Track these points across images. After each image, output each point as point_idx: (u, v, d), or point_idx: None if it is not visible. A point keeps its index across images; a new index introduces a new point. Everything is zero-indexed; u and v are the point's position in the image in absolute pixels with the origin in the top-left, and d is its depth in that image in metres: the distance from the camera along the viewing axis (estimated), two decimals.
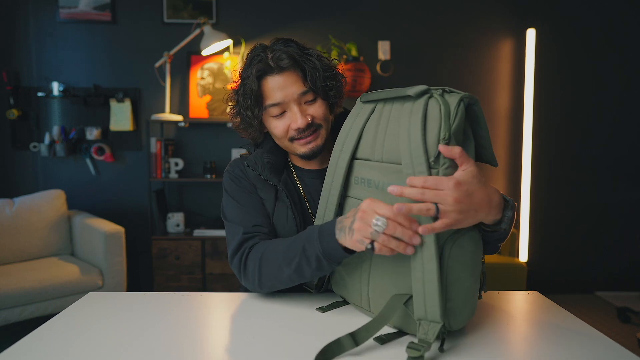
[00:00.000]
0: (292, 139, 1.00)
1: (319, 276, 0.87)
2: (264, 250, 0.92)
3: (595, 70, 3.24)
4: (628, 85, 3.25)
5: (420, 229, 0.68)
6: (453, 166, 0.71)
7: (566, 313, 0.88)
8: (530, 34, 3.13)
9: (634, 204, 3.29)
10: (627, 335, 2.61)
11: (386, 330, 0.79)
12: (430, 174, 0.70)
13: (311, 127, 0.99)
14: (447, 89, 0.74)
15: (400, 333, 0.78)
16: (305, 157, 1.01)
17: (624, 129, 3.28)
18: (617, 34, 3.22)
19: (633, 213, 3.29)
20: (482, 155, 0.80)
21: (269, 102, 0.98)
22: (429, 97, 0.74)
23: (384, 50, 3.19)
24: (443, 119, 0.70)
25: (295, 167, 1.09)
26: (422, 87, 0.74)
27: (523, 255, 3.17)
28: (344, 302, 0.92)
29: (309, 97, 0.98)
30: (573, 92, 3.26)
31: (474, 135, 0.76)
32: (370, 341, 0.74)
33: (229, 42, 2.97)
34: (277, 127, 0.99)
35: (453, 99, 0.72)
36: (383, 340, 0.75)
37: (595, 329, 0.80)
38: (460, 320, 0.75)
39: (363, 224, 0.72)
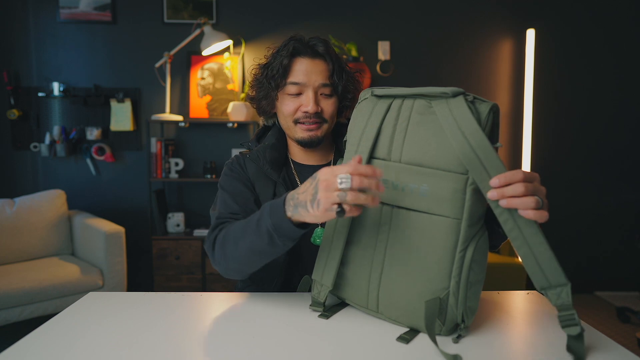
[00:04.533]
0: (296, 121, 1.04)
1: (274, 254, 0.86)
2: (227, 230, 0.93)
3: (595, 71, 3.24)
4: (628, 85, 3.25)
5: (532, 214, 0.68)
6: None
7: None
8: (530, 34, 3.13)
9: (634, 204, 3.29)
10: (627, 335, 2.61)
11: (402, 329, 0.80)
12: (501, 162, 0.70)
13: (317, 117, 1.03)
14: (474, 96, 0.75)
15: (417, 331, 0.79)
16: (303, 142, 1.06)
17: (623, 129, 3.28)
18: (616, 34, 3.22)
19: (633, 213, 3.29)
20: None
21: (291, 79, 1.03)
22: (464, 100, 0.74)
23: (384, 50, 3.19)
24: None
25: (295, 163, 1.12)
26: (458, 89, 0.75)
27: None
28: (344, 305, 0.91)
29: (327, 91, 1.04)
30: (573, 92, 3.26)
31: None
32: (393, 341, 0.75)
33: (229, 42, 2.98)
34: (289, 105, 1.04)
35: (484, 108, 0.73)
36: (407, 340, 0.75)
37: (595, 329, 0.80)
38: (473, 316, 0.78)
39: (327, 192, 0.69)
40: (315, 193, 0.71)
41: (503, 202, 0.69)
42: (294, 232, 0.78)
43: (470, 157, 0.71)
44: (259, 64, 1.11)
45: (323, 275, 0.87)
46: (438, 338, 0.76)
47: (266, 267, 1.01)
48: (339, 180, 0.68)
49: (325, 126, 1.05)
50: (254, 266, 0.91)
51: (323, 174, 0.71)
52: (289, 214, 0.77)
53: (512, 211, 0.70)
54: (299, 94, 1.03)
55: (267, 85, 1.06)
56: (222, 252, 0.92)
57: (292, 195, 0.78)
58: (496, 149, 0.72)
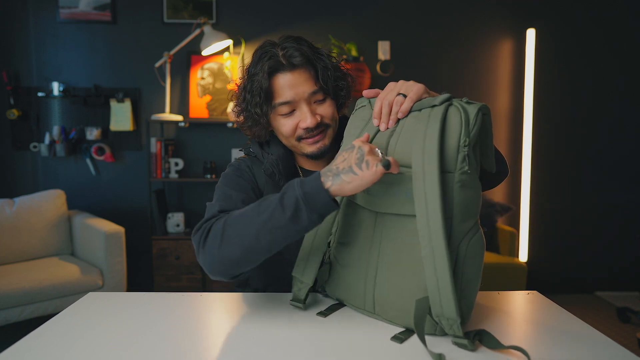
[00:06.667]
0: (299, 138, 0.98)
1: (289, 236, 0.77)
2: (233, 213, 0.83)
3: (595, 70, 3.24)
4: (628, 85, 3.25)
5: (401, 113, 0.80)
6: (469, 172, 0.73)
7: (566, 313, 0.88)
8: (530, 34, 3.13)
9: (634, 204, 3.29)
10: (627, 335, 2.62)
11: (398, 329, 0.80)
12: (439, 174, 0.71)
13: (320, 127, 0.98)
14: (465, 99, 0.76)
15: (412, 331, 0.79)
16: (313, 156, 1.00)
17: (624, 129, 3.28)
18: (616, 34, 3.22)
19: (633, 213, 3.29)
20: (482, 163, 0.81)
21: (279, 100, 0.96)
22: (449, 105, 0.75)
23: (384, 50, 3.19)
24: (463, 126, 0.73)
25: (303, 169, 1.09)
26: (446, 95, 0.76)
27: (523, 255, 3.17)
28: (342, 305, 0.91)
29: (319, 96, 0.97)
30: (573, 92, 3.26)
31: (480, 143, 0.79)
32: (387, 340, 0.75)
33: (229, 42, 2.97)
34: (285, 125, 0.98)
35: (472, 109, 0.74)
36: (401, 339, 0.75)
37: (595, 329, 0.80)
38: (470, 314, 0.78)
39: (372, 150, 0.75)
40: (361, 156, 0.74)
41: (386, 124, 0.81)
42: (329, 205, 0.74)
43: (418, 159, 0.73)
44: (237, 85, 1.03)
45: (304, 273, 0.88)
46: (434, 338, 0.76)
47: (273, 271, 0.99)
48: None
49: (329, 131, 1.00)
50: (255, 253, 0.80)
51: (361, 141, 0.77)
52: (327, 184, 0.74)
53: (432, 237, 0.71)
54: (292, 111, 0.97)
55: (253, 113, 0.98)
56: (219, 239, 0.80)
57: (327, 168, 0.76)
58: (466, 149, 0.73)
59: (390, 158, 0.72)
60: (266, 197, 0.81)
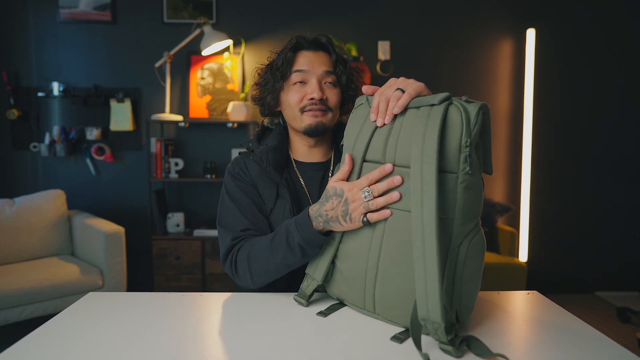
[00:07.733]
0: (302, 109, 1.06)
1: (304, 262, 0.94)
2: (249, 249, 0.99)
3: (595, 70, 3.24)
4: (628, 85, 3.25)
5: (397, 108, 0.80)
6: (472, 173, 0.72)
7: (566, 313, 0.88)
8: (530, 34, 3.13)
9: (634, 204, 3.29)
10: (627, 335, 2.62)
11: (398, 329, 0.80)
12: (437, 175, 0.71)
13: (323, 105, 1.06)
14: (465, 97, 0.76)
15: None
16: (310, 130, 1.06)
17: (624, 129, 3.28)
18: (616, 34, 3.22)
19: (633, 213, 3.29)
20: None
21: (295, 68, 1.07)
22: (449, 104, 0.74)
23: (384, 50, 3.19)
24: (464, 126, 0.72)
25: (297, 162, 1.13)
26: (445, 94, 0.75)
27: (523, 255, 3.17)
28: (342, 304, 0.91)
29: (331, 79, 1.07)
30: (573, 92, 3.26)
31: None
32: (388, 340, 0.75)
33: (229, 42, 2.98)
34: (294, 95, 1.07)
35: (472, 108, 0.73)
36: (401, 339, 0.75)
37: (595, 329, 0.80)
38: (470, 315, 0.78)
39: (356, 206, 0.81)
40: (346, 209, 0.83)
41: (383, 120, 0.82)
42: (323, 240, 0.89)
43: (416, 159, 0.73)
44: (263, 65, 1.13)
45: (316, 270, 0.91)
46: (432, 339, 0.75)
47: None
48: (363, 195, 0.81)
49: (330, 115, 1.07)
50: (282, 274, 0.98)
51: (349, 191, 0.83)
52: (319, 228, 0.88)
53: (425, 238, 0.71)
54: (303, 84, 1.06)
55: (271, 78, 1.09)
56: (248, 270, 0.98)
57: (317, 212, 0.88)
58: (467, 149, 0.72)
59: (369, 217, 0.80)
60: (273, 237, 0.96)
